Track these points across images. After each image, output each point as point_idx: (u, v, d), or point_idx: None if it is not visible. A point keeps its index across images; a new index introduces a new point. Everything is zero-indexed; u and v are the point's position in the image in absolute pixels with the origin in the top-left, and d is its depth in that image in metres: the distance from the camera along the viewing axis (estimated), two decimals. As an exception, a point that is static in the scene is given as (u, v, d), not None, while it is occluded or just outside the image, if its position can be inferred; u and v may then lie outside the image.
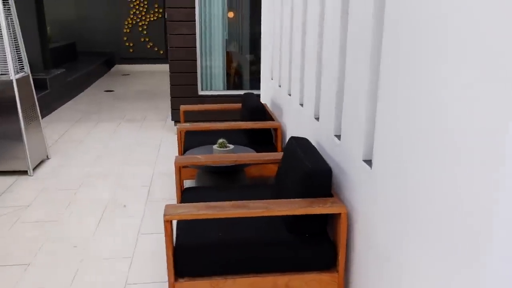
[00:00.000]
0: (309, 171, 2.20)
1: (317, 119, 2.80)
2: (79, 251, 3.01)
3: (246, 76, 6.59)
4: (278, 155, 2.93)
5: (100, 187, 4.14)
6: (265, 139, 3.87)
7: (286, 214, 2.10)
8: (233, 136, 4.06)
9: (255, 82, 6.57)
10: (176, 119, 5.88)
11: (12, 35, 4.30)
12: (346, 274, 2.24)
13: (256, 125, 3.71)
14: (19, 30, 4.42)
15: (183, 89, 5.78)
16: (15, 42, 4.36)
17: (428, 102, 1.42)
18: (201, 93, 5.86)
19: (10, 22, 4.28)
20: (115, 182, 4.24)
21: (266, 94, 4.86)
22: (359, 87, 2.01)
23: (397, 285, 1.67)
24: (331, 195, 2.25)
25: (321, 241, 2.23)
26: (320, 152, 2.62)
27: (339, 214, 2.14)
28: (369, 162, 2.00)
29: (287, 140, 3.70)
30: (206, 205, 2.12)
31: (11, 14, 4.31)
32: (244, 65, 6.62)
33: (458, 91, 1.25)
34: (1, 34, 4.14)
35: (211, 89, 6.00)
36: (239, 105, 4.57)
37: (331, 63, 2.45)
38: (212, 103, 5.86)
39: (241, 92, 5.96)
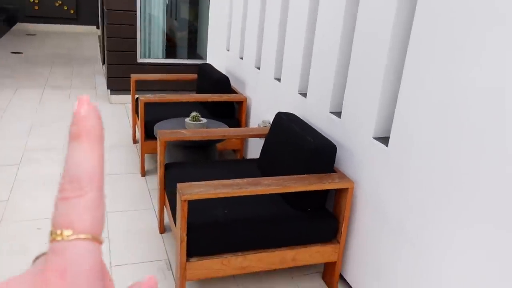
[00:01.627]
0: (315, 148, 2.25)
1: (304, 95, 2.84)
2: (45, 234, 2.75)
3: (182, 44, 6.36)
4: (264, 130, 2.93)
5: (44, 162, 3.78)
6: (227, 112, 3.82)
7: (300, 190, 2.13)
8: (192, 109, 3.95)
9: (192, 51, 6.38)
10: (113, 87, 5.51)
11: None
12: (346, 244, 2.36)
13: (222, 97, 3.64)
14: None
15: (120, 55, 5.41)
16: None
17: (462, 81, 1.52)
18: (140, 60, 5.54)
19: None
20: (60, 156, 3.90)
21: (218, 65, 4.76)
22: (373, 65, 2.08)
23: (410, 252, 1.81)
24: (333, 171, 2.33)
25: (323, 215, 2.32)
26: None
27: (346, 189, 2.23)
28: (380, 139, 2.10)
29: (251, 114, 3.70)
30: (221, 183, 2.07)
31: None
32: (182, 33, 6.37)
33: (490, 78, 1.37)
34: None
35: (149, 57, 5.69)
36: (194, 76, 4.42)
37: (327, 33, 2.48)
38: (151, 72, 5.58)
39: (180, 61, 5.75)
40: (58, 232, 0.29)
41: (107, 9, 5.15)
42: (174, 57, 6.01)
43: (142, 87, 5.51)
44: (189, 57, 6.13)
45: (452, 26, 1.61)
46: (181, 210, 1.98)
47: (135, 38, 5.38)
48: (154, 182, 3.54)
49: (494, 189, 1.46)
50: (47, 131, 4.46)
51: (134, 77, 4.18)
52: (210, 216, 2.17)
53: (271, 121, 3.31)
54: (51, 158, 3.85)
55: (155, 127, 3.25)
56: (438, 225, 1.72)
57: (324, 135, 2.51)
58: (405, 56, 1.95)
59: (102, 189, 0.31)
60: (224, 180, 2.09)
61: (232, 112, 3.86)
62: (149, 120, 3.59)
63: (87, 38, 10.94)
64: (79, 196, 0.30)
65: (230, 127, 3.70)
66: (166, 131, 2.70)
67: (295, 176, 2.21)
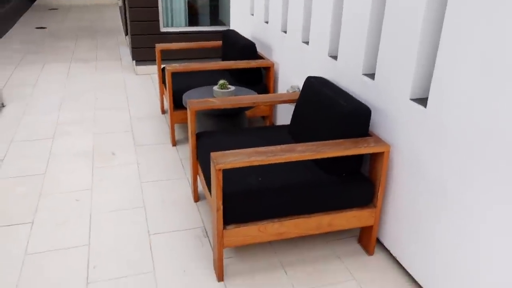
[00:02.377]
0: (349, 111, 2.20)
1: (334, 57, 2.76)
2: (84, 205, 2.83)
3: (204, 11, 6.26)
4: (293, 95, 2.88)
5: (76, 135, 3.84)
6: (254, 78, 3.77)
7: (335, 155, 2.10)
8: (218, 77, 3.91)
9: (214, 17, 6.27)
10: (138, 58, 5.50)
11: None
12: (383, 208, 2.33)
13: (249, 64, 3.58)
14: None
15: (143, 26, 5.37)
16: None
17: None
18: (163, 29, 5.49)
19: None
20: (92, 129, 3.96)
21: (243, 31, 4.67)
22: (409, 22, 1.98)
23: (450, 213, 1.77)
24: (368, 135, 2.28)
25: (359, 180, 2.28)
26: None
27: (382, 152, 2.18)
28: (417, 100, 2.03)
29: (279, 79, 3.64)
30: (255, 150, 2.05)
31: None
32: (203, 0, 6.25)
33: None
34: None
35: (172, 26, 5.63)
36: (218, 43, 4.36)
37: (359, -1, 2.38)
38: (175, 41, 5.54)
39: (204, 28, 5.67)
40: None
41: (128, -21, 5.08)
42: (197, 24, 5.92)
43: (167, 56, 5.49)
44: (211, 24, 6.03)
45: (498, -24, 1.50)
46: (216, 179, 1.98)
47: (157, 7, 5.32)
48: (185, 151, 3.57)
49: (545, 148, 1.39)
50: (77, 104, 4.52)
51: (159, 46, 4.15)
52: (245, 184, 2.17)
53: (300, 86, 3.25)
54: (83, 130, 3.91)
55: (183, 97, 3.24)
56: (480, 186, 1.67)
57: (358, 98, 2.45)
58: (444, 10, 1.85)
59: None
60: (257, 147, 2.07)
61: (259, 78, 3.80)
62: (177, 89, 3.58)
63: (108, 9, 10.91)
64: None
65: (258, 93, 3.67)
66: (195, 101, 2.68)
67: (330, 141, 2.17)
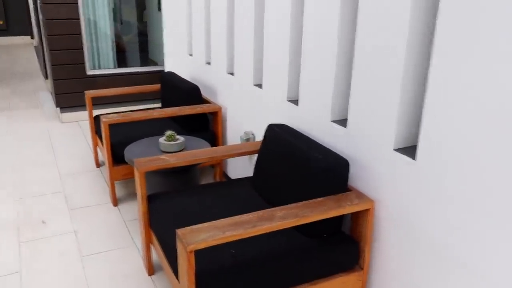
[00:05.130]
0: (326, 165, 1.98)
1: (294, 102, 2.56)
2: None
3: (133, 51, 5.90)
4: (253, 145, 2.62)
5: (-5, 202, 3.28)
6: (201, 125, 3.48)
7: (319, 219, 1.85)
8: (160, 125, 3.57)
9: (144, 56, 5.93)
10: (63, 105, 4.98)
11: None
12: (370, 270, 2.12)
13: (195, 109, 3.28)
14: None
15: (67, 69, 4.88)
16: None
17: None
18: (90, 72, 5.04)
19: None
20: (13, 193, 3.41)
21: (180, 72, 4.38)
22: (387, 58, 1.82)
23: (453, 273, 1.59)
24: (347, 190, 2.07)
25: (342, 239, 2.06)
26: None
27: (366, 210, 1.98)
28: (402, 150, 1.86)
29: (227, 125, 3.38)
30: (229, 222, 1.75)
31: None
32: (131, 39, 5.91)
33: None
34: None
35: (99, 68, 5.20)
36: (156, 87, 4.02)
37: (320, 25, 2.20)
38: (104, 84, 5.11)
39: (135, 69, 5.31)
40: None
41: (46, 19, 4.62)
42: (126, 65, 5.55)
43: (98, 101, 5.04)
44: (142, 64, 5.69)
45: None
46: (187, 262, 1.64)
47: (81, 48, 4.88)
48: (129, 211, 3.15)
49: None
50: (-7, 164, 3.92)
51: (89, 94, 3.73)
52: (217, 260, 1.85)
53: (255, 133, 3.01)
54: (3, 196, 3.35)
55: (125, 153, 2.86)
56: (483, 245, 1.50)
57: (330, 148, 2.24)
58: (433, 37, 1.71)
59: None
60: (230, 218, 1.77)
61: (206, 124, 3.51)
62: (116, 142, 3.18)
63: (21, 50, 10.10)
64: None
65: (207, 141, 3.37)
66: (143, 159, 2.33)
67: (310, 201, 1.93)
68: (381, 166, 1.94)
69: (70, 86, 4.93)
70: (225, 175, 3.53)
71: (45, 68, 6.34)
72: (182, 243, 1.65)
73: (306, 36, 2.32)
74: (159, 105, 5.58)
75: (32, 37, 9.85)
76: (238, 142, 3.28)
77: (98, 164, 3.90)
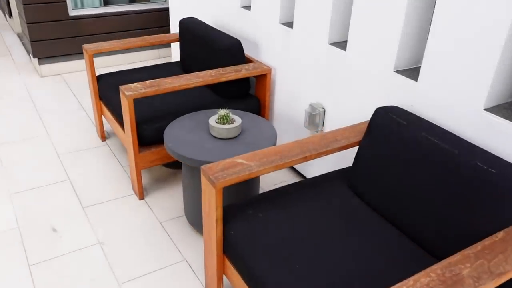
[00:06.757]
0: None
1: (404, 73, 1.87)
2: None
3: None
4: (355, 132, 1.93)
5: (-19, 198, 2.51)
6: (241, 90, 2.70)
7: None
8: (188, 92, 2.77)
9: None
10: (41, 55, 4.02)
11: None
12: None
13: (240, 73, 2.51)
14: None
15: (44, 9, 3.88)
16: None
17: None
18: (73, 13, 4.05)
19: None
20: (5, 184, 2.63)
21: (200, 16, 3.51)
22: None
23: None
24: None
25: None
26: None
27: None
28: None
29: (275, 92, 2.67)
30: None
31: None
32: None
33: None
34: None
35: (82, 6, 4.20)
36: (173, 36, 3.16)
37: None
38: (91, 29, 4.15)
39: (129, 7, 4.33)
40: None
41: None
42: (116, 1, 4.50)
43: (79, 49, 4.12)
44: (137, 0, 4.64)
45: None
46: None
47: (61, -18, 3.86)
48: (162, 208, 2.47)
49: None
50: (-33, 140, 3.07)
51: (90, 50, 2.86)
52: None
53: (323, 106, 2.33)
54: (-9, 190, 2.57)
55: (166, 141, 2.11)
56: None
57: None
58: None
59: None
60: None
61: (247, 89, 2.74)
62: (140, 120, 2.42)
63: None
64: None
65: (254, 113, 2.67)
66: (216, 167, 1.61)
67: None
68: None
69: (50, 31, 3.95)
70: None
71: (9, 5, 5.19)
72: None
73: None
74: (168, 54, 4.67)
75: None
76: (291, 113, 2.59)
77: (104, 137, 3.12)
